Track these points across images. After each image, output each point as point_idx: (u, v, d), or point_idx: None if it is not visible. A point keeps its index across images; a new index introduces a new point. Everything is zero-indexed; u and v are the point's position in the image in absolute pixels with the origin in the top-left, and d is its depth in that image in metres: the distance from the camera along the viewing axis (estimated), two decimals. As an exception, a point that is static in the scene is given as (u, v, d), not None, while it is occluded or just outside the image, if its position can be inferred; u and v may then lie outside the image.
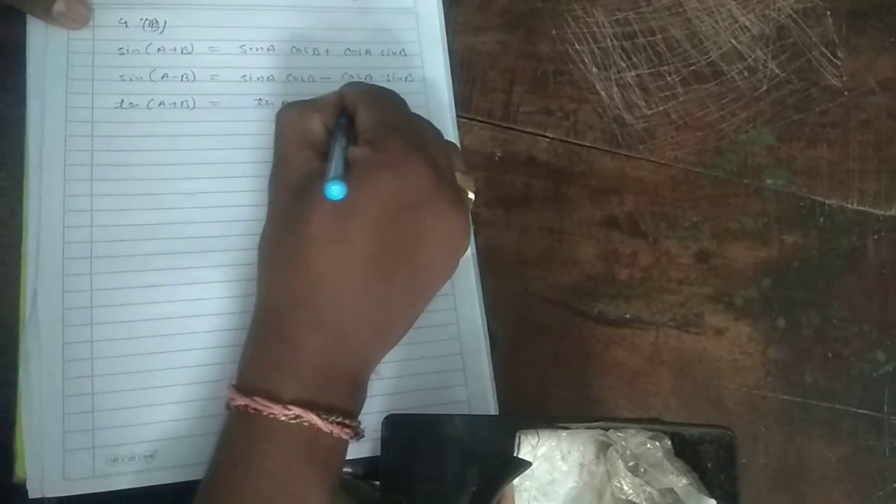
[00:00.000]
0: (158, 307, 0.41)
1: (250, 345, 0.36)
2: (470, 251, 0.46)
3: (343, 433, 0.34)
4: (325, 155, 0.36)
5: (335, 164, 0.34)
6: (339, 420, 0.34)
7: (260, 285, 0.37)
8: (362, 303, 0.35)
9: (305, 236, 0.34)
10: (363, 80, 0.48)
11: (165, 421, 0.39)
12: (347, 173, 0.34)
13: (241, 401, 0.33)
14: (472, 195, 0.41)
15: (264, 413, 0.33)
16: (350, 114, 0.38)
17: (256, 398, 0.33)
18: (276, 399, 0.33)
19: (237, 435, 0.34)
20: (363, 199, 0.34)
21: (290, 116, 0.38)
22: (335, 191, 0.33)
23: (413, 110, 0.39)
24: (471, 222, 0.39)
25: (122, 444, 0.39)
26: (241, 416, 0.34)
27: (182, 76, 0.45)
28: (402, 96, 0.40)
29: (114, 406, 0.39)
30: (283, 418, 0.33)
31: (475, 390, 0.44)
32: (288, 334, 0.35)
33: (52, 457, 0.38)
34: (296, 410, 0.33)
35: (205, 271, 0.42)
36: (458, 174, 0.39)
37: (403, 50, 0.49)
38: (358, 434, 0.35)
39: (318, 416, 0.33)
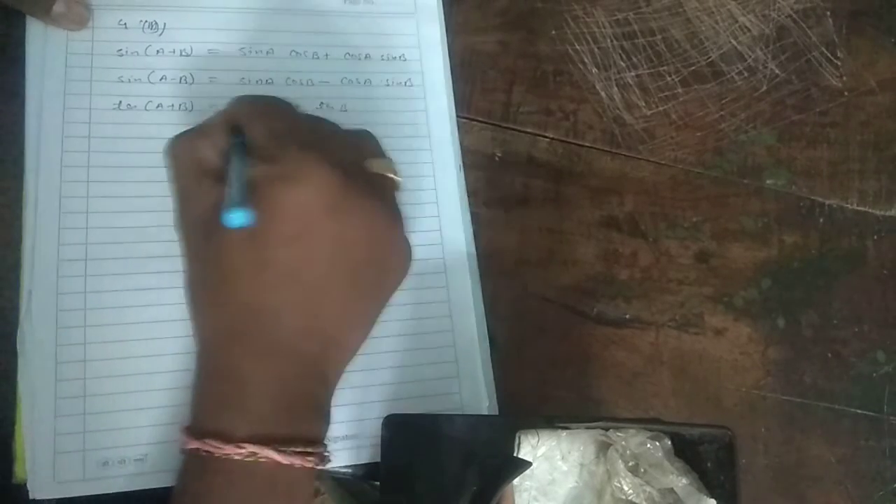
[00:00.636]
0: (152, 310, 0.41)
1: (196, 386, 0.34)
2: (468, 256, 0.46)
3: (305, 462, 0.32)
4: (224, 181, 0.34)
5: (234, 190, 0.32)
6: (299, 450, 0.32)
7: (194, 325, 0.35)
8: (299, 319, 0.34)
9: (224, 269, 0.33)
10: (362, 84, 0.48)
11: (157, 425, 0.39)
12: (251, 195, 0.32)
13: (192, 444, 0.32)
14: (396, 177, 0.38)
15: (217, 455, 0.31)
16: (241, 131, 0.36)
17: (207, 440, 0.31)
18: (228, 439, 0.31)
19: (192, 479, 0.33)
20: (271, 218, 0.32)
21: (180, 148, 0.36)
22: (238, 217, 0.31)
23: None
24: (398, 206, 0.37)
25: (113, 448, 0.39)
26: (195, 460, 0.32)
27: (181, 78, 0.44)
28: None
29: (105, 409, 0.39)
30: (237, 458, 0.31)
31: (469, 399, 0.44)
32: (230, 368, 0.33)
33: (44, 459, 0.38)
34: (250, 448, 0.31)
35: None
36: (373, 161, 0.37)
37: (403, 55, 0.49)
38: (324, 460, 0.34)
39: (276, 450, 0.31)
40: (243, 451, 0.31)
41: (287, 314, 0.33)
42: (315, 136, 0.35)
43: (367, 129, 0.40)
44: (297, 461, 0.32)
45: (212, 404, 0.33)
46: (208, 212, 0.33)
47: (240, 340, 0.33)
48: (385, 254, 0.37)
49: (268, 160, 0.33)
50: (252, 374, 0.33)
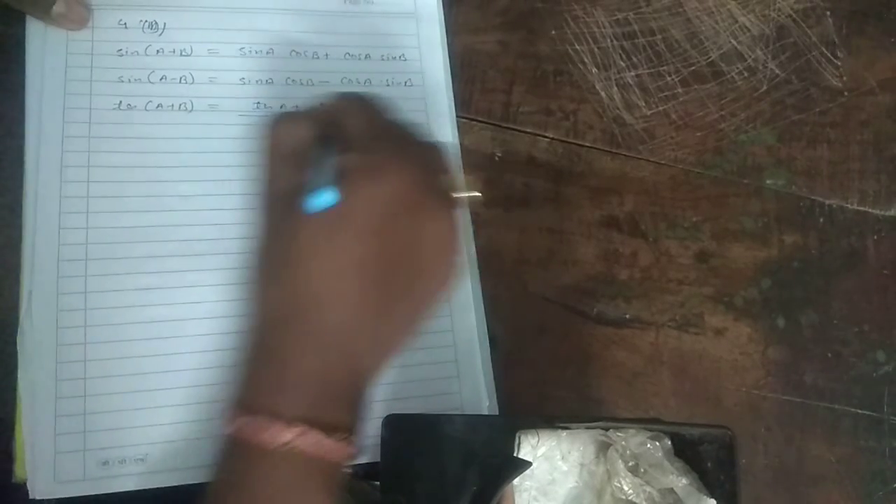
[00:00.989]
0: (153, 310, 0.41)
1: (245, 363, 0.35)
2: (468, 256, 0.46)
3: (346, 449, 0.33)
4: (310, 166, 0.35)
5: (324, 171, 0.33)
6: (342, 437, 0.33)
7: (251, 302, 0.36)
8: (356, 313, 0.34)
9: (295, 249, 0.33)
10: (362, 84, 0.48)
11: (157, 424, 0.39)
12: (337, 181, 0.33)
13: (241, 420, 0.32)
14: (475, 193, 0.39)
15: (265, 434, 0.32)
16: (337, 124, 0.37)
17: (258, 417, 0.32)
18: (277, 418, 0.32)
19: (237, 457, 0.33)
20: (356, 205, 0.33)
21: (277, 128, 0.37)
22: (323, 199, 0.32)
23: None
24: (461, 223, 0.38)
25: (114, 447, 0.39)
26: (240, 438, 0.32)
27: (181, 78, 0.44)
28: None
29: (106, 409, 0.39)
30: (286, 437, 0.31)
31: (469, 399, 0.44)
32: (282, 351, 0.34)
33: (44, 458, 0.38)
34: (298, 429, 0.31)
35: (200, 274, 0.42)
36: (447, 177, 0.38)
37: (403, 55, 0.49)
38: (361, 451, 0.34)
39: (320, 433, 0.32)
40: (292, 431, 0.31)
41: (346, 304, 0.34)
42: (405, 138, 0.37)
43: (444, 143, 0.41)
44: (337, 448, 0.32)
45: (261, 382, 0.34)
46: (291, 191, 0.34)
47: (296, 322, 0.34)
48: (444, 266, 0.37)
49: (359, 152, 0.34)
50: (304, 359, 0.33)
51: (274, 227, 0.35)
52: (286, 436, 0.31)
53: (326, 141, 0.36)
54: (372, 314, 0.35)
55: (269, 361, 0.34)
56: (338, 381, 0.34)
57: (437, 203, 0.36)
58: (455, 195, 0.39)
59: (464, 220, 0.47)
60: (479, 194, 0.40)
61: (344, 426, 0.34)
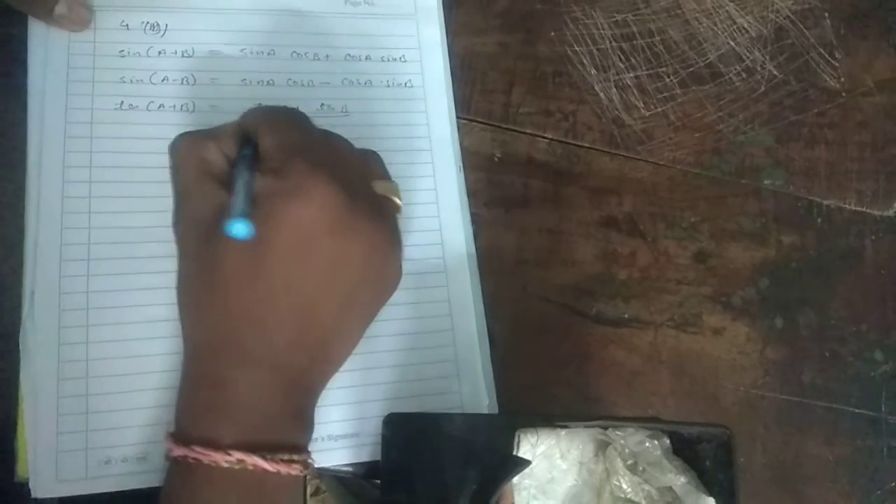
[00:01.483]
0: (155, 309, 0.41)
1: (183, 391, 0.34)
2: (468, 256, 0.47)
3: (291, 470, 0.32)
4: (228, 187, 0.34)
5: (237, 200, 0.32)
6: (285, 458, 0.32)
7: (183, 329, 0.35)
8: (290, 333, 0.33)
9: (219, 276, 0.33)
10: (363, 85, 0.48)
11: (159, 423, 0.39)
12: (253, 206, 0.32)
13: (179, 451, 0.32)
14: (398, 200, 0.39)
15: (204, 462, 0.31)
16: (254, 142, 0.36)
17: (194, 447, 0.31)
18: (216, 446, 0.31)
19: (179, 486, 0.32)
20: (272, 232, 0.32)
21: (185, 147, 0.36)
22: (239, 229, 0.31)
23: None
24: (399, 229, 0.38)
25: (116, 446, 0.39)
26: (182, 467, 0.32)
27: (182, 79, 0.45)
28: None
29: (108, 408, 0.39)
30: (224, 465, 0.31)
31: (469, 397, 0.44)
32: (218, 376, 0.33)
33: (46, 457, 0.38)
34: (237, 455, 0.31)
35: None
36: (379, 183, 0.38)
37: (403, 56, 0.49)
38: (308, 467, 0.34)
39: (262, 457, 0.31)
40: (231, 458, 0.31)
41: (278, 327, 0.33)
42: (325, 153, 0.35)
43: (375, 151, 0.40)
44: (282, 468, 0.32)
45: (198, 411, 0.33)
46: (208, 215, 0.33)
47: (229, 349, 0.33)
48: (380, 275, 0.37)
49: (275, 173, 0.33)
50: (239, 383, 0.33)
51: (195, 253, 0.34)
52: (223, 465, 0.31)
53: (244, 160, 0.35)
54: (306, 332, 0.34)
55: (203, 388, 0.33)
56: (276, 402, 0.33)
57: (363, 217, 0.34)
58: (394, 202, 0.38)
59: (465, 220, 0.47)
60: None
61: (287, 445, 0.33)
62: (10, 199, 0.42)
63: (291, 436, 0.34)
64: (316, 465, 0.36)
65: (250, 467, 0.31)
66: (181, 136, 0.36)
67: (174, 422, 0.34)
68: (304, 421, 0.35)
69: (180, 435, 0.33)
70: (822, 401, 0.49)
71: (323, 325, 0.34)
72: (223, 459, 0.31)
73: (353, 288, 0.35)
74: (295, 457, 0.33)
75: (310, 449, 0.35)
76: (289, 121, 0.37)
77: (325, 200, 0.33)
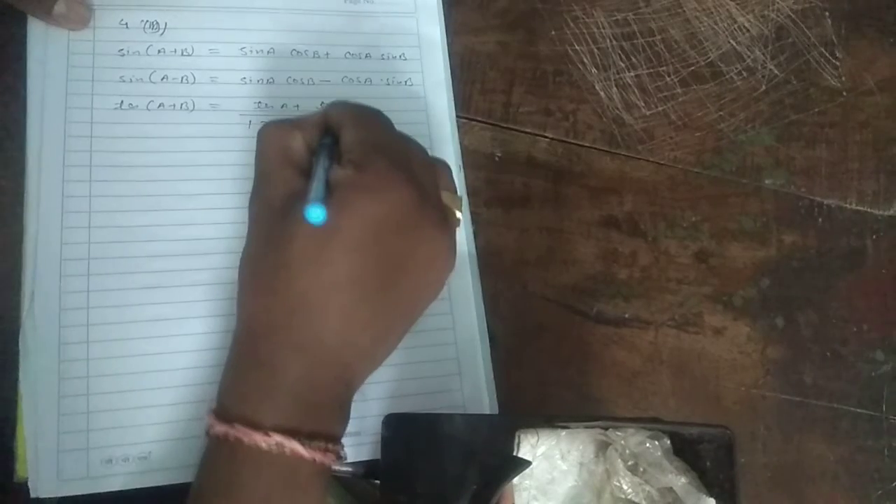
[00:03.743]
0: (155, 308, 0.41)
1: (230, 369, 0.35)
2: (468, 256, 0.47)
3: (326, 459, 0.33)
4: (307, 174, 0.35)
5: (316, 186, 0.33)
6: (322, 446, 0.33)
7: (239, 307, 0.36)
8: (344, 326, 0.34)
9: (285, 258, 0.33)
10: (363, 84, 0.48)
11: (160, 423, 0.39)
12: (329, 195, 0.33)
13: (220, 428, 0.32)
14: (459, 214, 0.40)
15: (245, 441, 0.32)
16: (334, 134, 0.37)
17: (236, 425, 0.32)
18: (257, 426, 0.32)
19: (217, 463, 0.33)
20: (344, 222, 0.33)
21: (271, 134, 0.37)
22: (315, 214, 0.32)
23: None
24: (456, 242, 0.39)
25: (117, 446, 0.39)
26: (222, 444, 0.33)
27: (182, 78, 0.45)
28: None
29: (109, 407, 0.39)
30: (264, 446, 0.31)
31: (471, 395, 0.44)
32: (267, 359, 0.34)
33: (47, 457, 0.38)
34: (277, 438, 0.32)
35: (201, 273, 0.42)
36: (444, 193, 0.38)
37: (403, 54, 0.49)
38: (340, 458, 0.34)
39: (301, 443, 0.32)
40: (270, 440, 0.32)
41: (334, 316, 0.34)
42: (403, 156, 0.37)
43: (446, 161, 0.41)
44: (318, 456, 0.33)
45: (244, 390, 0.34)
46: (284, 199, 0.35)
47: (283, 331, 0.34)
48: (433, 281, 0.38)
49: (354, 166, 0.34)
50: (288, 368, 0.33)
51: (266, 234, 0.35)
52: (263, 446, 0.32)
53: (325, 150, 0.36)
54: (359, 327, 0.35)
55: (254, 368, 0.34)
56: (321, 390, 0.34)
57: (430, 223, 0.36)
58: (455, 214, 0.39)
59: (465, 219, 0.47)
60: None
61: (324, 434, 0.34)
62: (10, 199, 0.42)
63: (329, 426, 0.35)
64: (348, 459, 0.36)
65: (287, 452, 0.32)
66: (269, 123, 0.38)
67: (217, 399, 0.35)
68: (342, 413, 0.36)
69: (222, 412, 0.33)
70: (822, 401, 0.49)
71: (374, 322, 0.35)
72: (262, 440, 0.32)
73: (408, 290, 0.36)
74: (330, 446, 0.34)
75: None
76: (372, 119, 0.38)
77: (399, 200, 0.34)
